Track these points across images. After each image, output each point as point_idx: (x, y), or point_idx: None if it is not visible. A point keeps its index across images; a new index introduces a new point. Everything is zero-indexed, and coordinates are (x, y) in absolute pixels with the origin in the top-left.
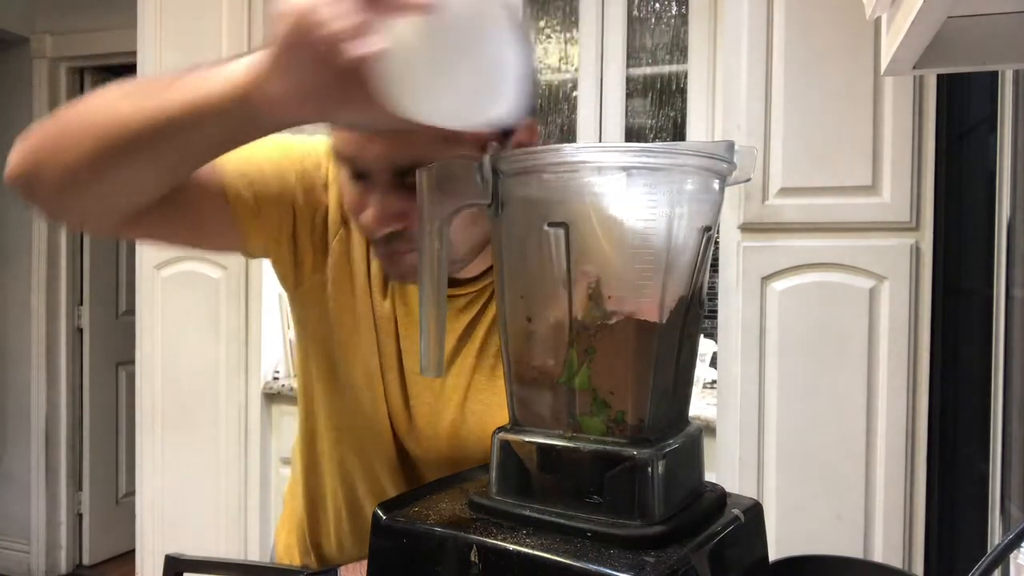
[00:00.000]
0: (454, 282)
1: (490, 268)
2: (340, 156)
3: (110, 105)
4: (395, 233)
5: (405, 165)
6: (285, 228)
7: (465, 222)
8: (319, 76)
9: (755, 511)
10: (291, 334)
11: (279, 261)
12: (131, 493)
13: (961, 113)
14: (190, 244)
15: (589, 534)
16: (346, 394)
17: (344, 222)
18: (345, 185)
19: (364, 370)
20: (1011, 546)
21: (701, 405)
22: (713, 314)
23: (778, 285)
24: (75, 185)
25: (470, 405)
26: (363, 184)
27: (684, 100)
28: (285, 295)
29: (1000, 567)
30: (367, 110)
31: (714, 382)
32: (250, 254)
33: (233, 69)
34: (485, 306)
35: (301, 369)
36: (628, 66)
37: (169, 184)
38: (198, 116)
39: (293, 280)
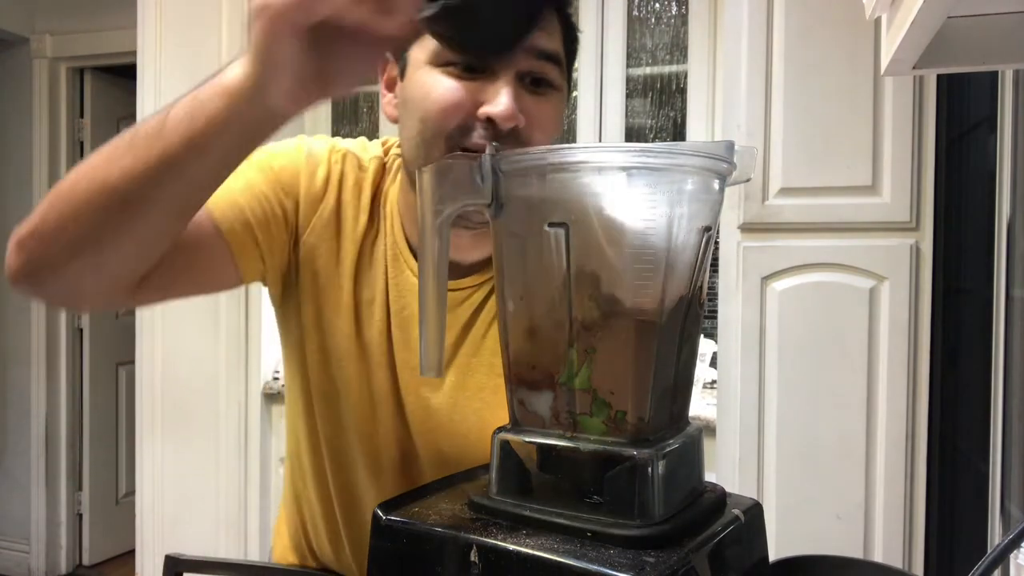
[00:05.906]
0: (452, 272)
1: (490, 259)
2: (439, 59)
3: (107, 166)
4: (513, 131)
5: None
6: (282, 245)
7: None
8: (302, 46)
9: (755, 511)
10: None
11: (274, 283)
12: (131, 493)
13: (961, 113)
14: (191, 294)
15: (589, 534)
16: (336, 400)
17: (371, 219)
18: (442, 83)
19: (355, 367)
20: (1011, 546)
21: (701, 405)
22: (713, 314)
23: (778, 285)
24: (85, 259)
25: (470, 403)
26: (479, 80)
27: (684, 100)
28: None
29: (1000, 567)
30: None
31: (714, 382)
32: (246, 282)
33: (225, 84)
34: (484, 302)
35: (289, 398)
36: (628, 66)
37: (183, 226)
38: (203, 144)
39: (282, 292)
